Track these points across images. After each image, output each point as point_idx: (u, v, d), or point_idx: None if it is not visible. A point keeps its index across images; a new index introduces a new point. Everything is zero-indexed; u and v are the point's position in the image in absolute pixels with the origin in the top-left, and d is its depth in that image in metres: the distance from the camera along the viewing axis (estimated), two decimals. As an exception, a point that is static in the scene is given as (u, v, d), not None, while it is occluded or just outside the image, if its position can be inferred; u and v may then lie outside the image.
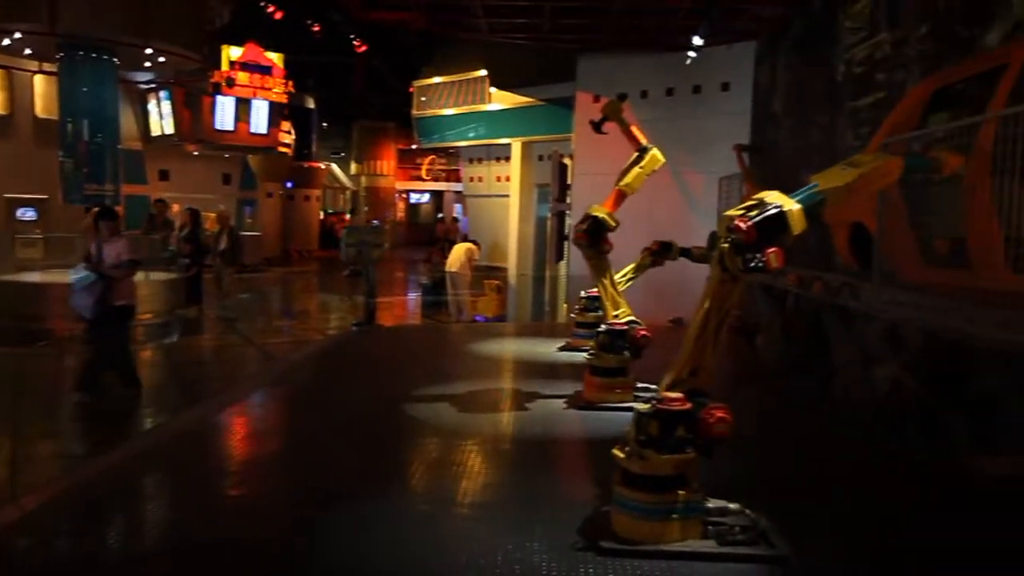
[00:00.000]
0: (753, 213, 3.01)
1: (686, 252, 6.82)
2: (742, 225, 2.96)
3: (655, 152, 5.91)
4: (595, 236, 5.71)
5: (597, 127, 6.43)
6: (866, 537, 3.34)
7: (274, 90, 25.08)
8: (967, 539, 3.34)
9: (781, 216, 2.99)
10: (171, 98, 22.58)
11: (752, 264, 2.94)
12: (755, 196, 3.14)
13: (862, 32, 7.23)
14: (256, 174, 27.57)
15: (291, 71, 26.28)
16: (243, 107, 24.14)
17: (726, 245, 3.01)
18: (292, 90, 26.46)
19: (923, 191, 4.56)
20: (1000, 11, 4.93)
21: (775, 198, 3.06)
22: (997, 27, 4.96)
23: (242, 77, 23.99)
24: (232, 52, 24.05)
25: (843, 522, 3.51)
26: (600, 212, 5.71)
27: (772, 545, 3.03)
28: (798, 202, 3.05)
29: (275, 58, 25.41)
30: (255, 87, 24.39)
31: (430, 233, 41.59)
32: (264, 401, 6.35)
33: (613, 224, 5.72)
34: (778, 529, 3.10)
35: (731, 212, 3.09)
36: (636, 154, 5.99)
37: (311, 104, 31.60)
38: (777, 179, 9.40)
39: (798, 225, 3.00)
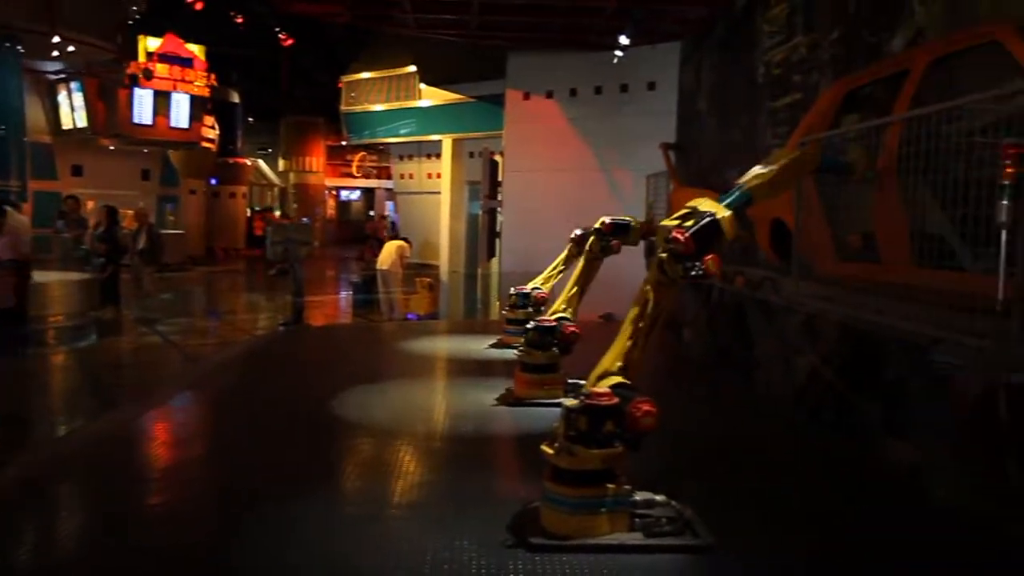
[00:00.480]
0: (688, 223, 3.13)
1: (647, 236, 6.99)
2: (680, 237, 3.07)
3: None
4: (618, 233, 5.81)
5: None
6: (787, 523, 3.47)
7: (195, 83, 24.15)
8: (881, 524, 3.50)
9: (715, 224, 3.13)
10: (83, 90, 21.47)
11: (693, 273, 3.04)
12: (688, 204, 3.25)
13: (780, 35, 7.49)
14: (178, 170, 26.55)
15: (214, 64, 25.38)
16: (162, 100, 23.14)
17: (664, 255, 3.10)
18: (215, 84, 25.55)
19: (837, 188, 4.75)
20: (903, 19, 5.19)
21: (708, 206, 3.20)
22: (900, 34, 5.22)
23: (161, 69, 23.02)
24: (150, 43, 23.04)
25: (765, 509, 3.62)
26: (634, 222, 5.88)
27: (697, 535, 3.11)
28: (727, 207, 3.18)
29: (196, 50, 24.48)
30: (175, 80, 23.44)
31: (361, 231, 41.10)
32: (186, 404, 6.14)
33: (633, 239, 5.93)
34: (703, 518, 3.18)
35: (667, 223, 3.18)
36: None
37: (236, 98, 30.65)
38: (702, 177, 9.67)
39: (731, 230, 3.16)
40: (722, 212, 3.15)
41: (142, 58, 22.66)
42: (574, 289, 5.87)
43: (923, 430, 3.86)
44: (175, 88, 23.47)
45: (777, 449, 4.80)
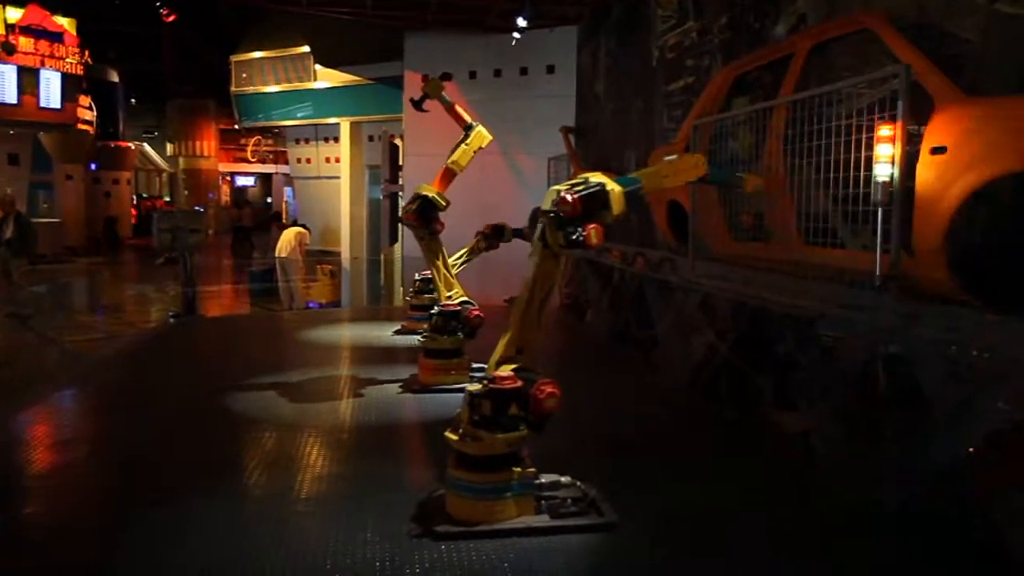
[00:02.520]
0: (579, 188, 3.14)
1: (519, 233, 6.93)
2: (569, 198, 3.11)
3: (480, 129, 5.90)
4: (425, 216, 5.64)
5: (418, 105, 6.34)
6: (687, 496, 3.57)
7: (67, 60, 22.41)
8: (775, 492, 3.66)
9: (604, 193, 3.15)
10: (-65, 65, 19.64)
11: (574, 237, 3.05)
12: (580, 176, 3.27)
13: (672, 20, 7.65)
14: (51, 155, 24.68)
15: (88, 40, 23.66)
16: (29, 77, 21.35)
17: (547, 220, 3.13)
18: (90, 61, 23.85)
19: (729, 169, 4.90)
20: (785, 5, 5.40)
21: (598, 178, 3.24)
22: (783, 20, 5.43)
23: (24, 43, 21.20)
24: (10, 14, 21.16)
25: (667, 484, 3.73)
26: (429, 191, 5.64)
27: (602, 513, 3.15)
28: (619, 184, 3.21)
29: (66, 23, 22.71)
30: (42, 55, 21.66)
31: (257, 218, 39.55)
32: (65, 403, 5.72)
33: (443, 203, 5.66)
34: (607, 497, 3.23)
35: (557, 187, 3.18)
36: (464, 133, 5.97)
37: (115, 78, 28.80)
38: (601, 160, 9.82)
39: (618, 205, 3.19)
40: (612, 185, 3.21)
41: (1, 30, 20.82)
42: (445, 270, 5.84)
43: (810, 400, 4.06)
44: (43, 64, 21.71)
45: (676, 425, 4.95)
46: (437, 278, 5.76)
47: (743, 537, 3.13)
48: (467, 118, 6.00)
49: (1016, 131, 2.84)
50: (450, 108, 6.13)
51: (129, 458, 4.18)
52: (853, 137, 3.53)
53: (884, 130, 3.21)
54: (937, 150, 3.10)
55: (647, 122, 8.38)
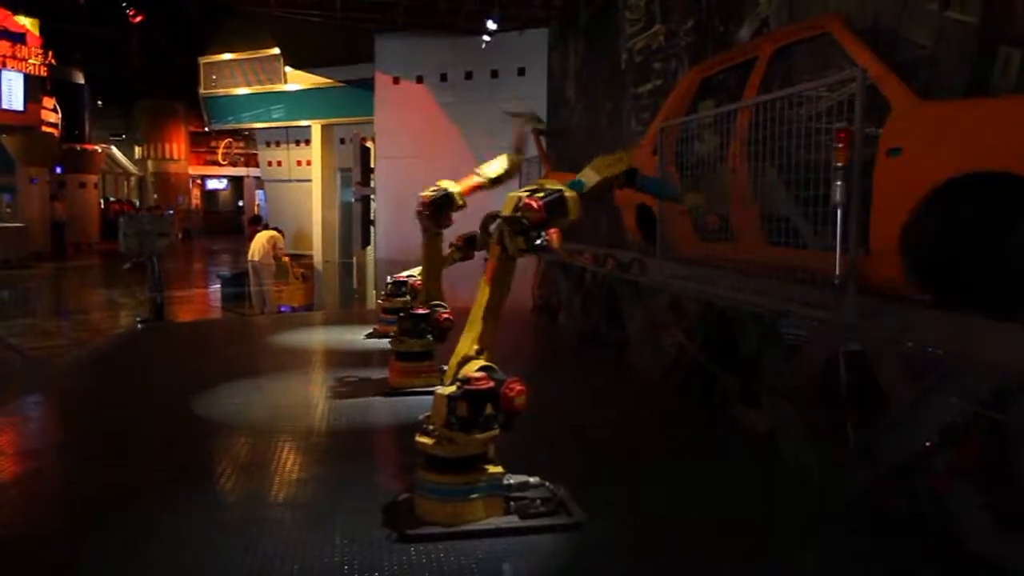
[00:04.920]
0: (540, 195, 3.21)
1: (471, 240, 6.88)
2: (534, 204, 3.18)
3: (512, 156, 5.87)
4: (440, 208, 5.56)
5: (513, 114, 6.18)
6: (656, 495, 3.61)
7: (29, 60, 22.01)
8: (744, 490, 3.72)
9: (563, 200, 3.25)
10: None
11: (538, 242, 3.16)
12: (535, 182, 3.41)
13: (640, 23, 7.73)
14: (14, 157, 24.15)
15: (51, 41, 23.24)
16: (-10, 78, 21.00)
17: (506, 227, 3.22)
18: (54, 62, 23.42)
19: (696, 171, 4.97)
20: (749, 9, 5.49)
21: (553, 185, 3.36)
22: (747, 23, 5.51)
23: (-15, 43, 20.84)
24: (-31, 14, 20.81)
25: (636, 483, 3.77)
26: (453, 188, 5.55)
27: (571, 513, 3.18)
28: (571, 189, 3.31)
29: (28, 24, 22.29)
30: (4, 56, 21.26)
31: (230, 222, 39.14)
32: (26, 412, 5.61)
33: (461, 203, 5.57)
34: (576, 497, 3.26)
35: (516, 193, 3.24)
36: (507, 156, 5.89)
37: (80, 79, 28.29)
38: (572, 162, 9.87)
39: (574, 210, 3.30)
40: (568, 192, 3.31)
41: (-40, 31, 20.44)
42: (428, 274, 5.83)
43: (775, 397, 4.12)
44: (4, 65, 21.29)
45: (647, 425, 5.00)
46: (426, 280, 5.74)
47: (710, 535, 3.17)
48: (518, 146, 5.88)
49: (969, 133, 2.92)
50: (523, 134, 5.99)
51: (95, 465, 4.11)
52: (814, 139, 3.60)
53: (842, 132, 3.27)
54: (893, 151, 3.18)
55: (617, 124, 8.45)
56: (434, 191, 5.54)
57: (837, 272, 3.32)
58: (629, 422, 5.02)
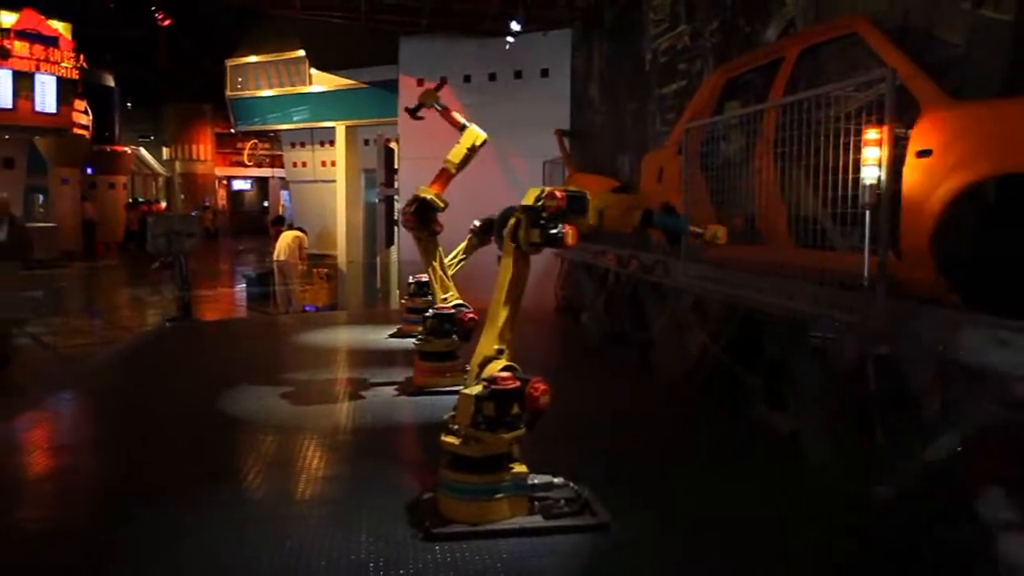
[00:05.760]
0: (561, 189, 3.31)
1: (488, 227, 6.93)
2: (558, 193, 3.24)
3: (472, 127, 5.93)
4: (423, 218, 5.65)
5: (412, 113, 6.37)
6: (679, 497, 3.60)
7: (62, 64, 22.40)
8: (765, 493, 3.69)
9: (585, 200, 3.31)
10: (-70, 70, 19.62)
11: (553, 232, 3.17)
12: (564, 187, 3.39)
13: (665, 24, 7.70)
14: (46, 158, 24.61)
15: (83, 44, 23.66)
16: (24, 81, 21.31)
17: (523, 216, 3.24)
18: (85, 65, 23.84)
19: (721, 172, 4.94)
20: (776, 9, 5.44)
21: (577, 189, 3.41)
22: (774, 24, 5.47)
23: (20, 47, 21.18)
24: (4, 19, 21.17)
25: (660, 484, 3.76)
26: (427, 193, 5.66)
27: (595, 514, 3.18)
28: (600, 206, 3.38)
29: (61, 28, 22.70)
30: (37, 59, 21.63)
31: (256, 222, 39.59)
32: (62, 407, 5.73)
33: (441, 205, 5.67)
34: (601, 497, 3.26)
35: (538, 188, 3.28)
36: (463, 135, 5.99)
37: (111, 82, 28.75)
38: (595, 163, 9.86)
39: (592, 215, 3.36)
40: (593, 200, 3.36)
41: (-4, 35, 20.83)
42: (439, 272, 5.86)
43: (800, 400, 4.09)
44: (38, 68, 21.68)
45: (670, 426, 4.98)
46: (433, 280, 5.79)
47: (733, 537, 3.15)
48: (461, 120, 6.04)
49: (1000, 134, 2.87)
50: (444, 112, 6.17)
51: (125, 461, 4.19)
52: (842, 140, 3.57)
53: (871, 133, 3.24)
54: (923, 153, 3.14)
55: (640, 125, 8.42)
56: (411, 204, 5.69)
57: (866, 274, 3.29)
58: (652, 422, 5.01)
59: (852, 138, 3.48)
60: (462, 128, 5.96)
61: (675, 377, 5.87)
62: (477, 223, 6.57)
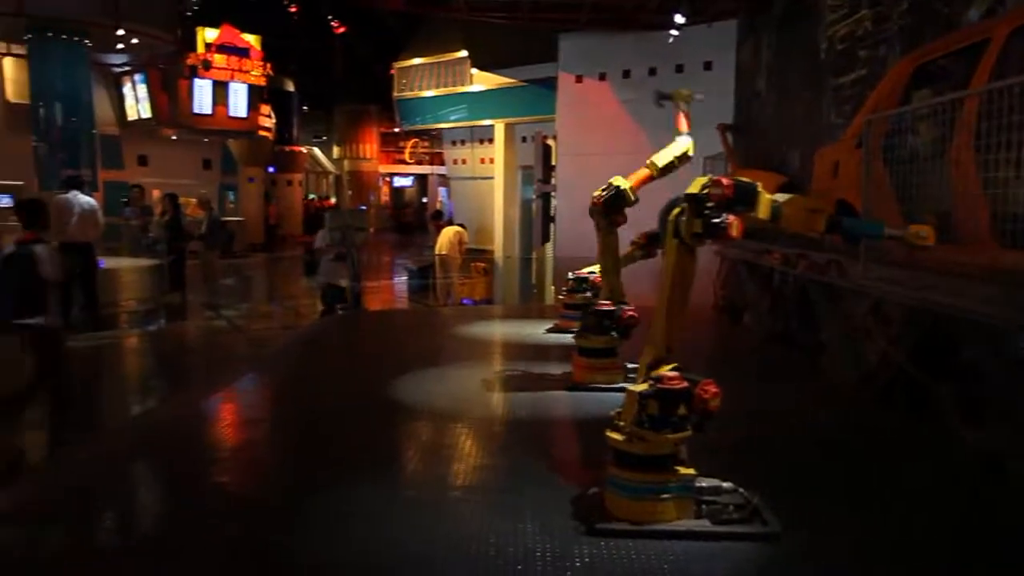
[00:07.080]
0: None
1: (655, 237, 6.74)
2: (724, 181, 3.05)
3: (686, 138, 5.78)
4: (612, 206, 5.59)
5: (658, 99, 6.13)
6: (856, 509, 3.38)
7: (252, 73, 24.72)
8: (964, 513, 3.38)
9: (755, 192, 3.10)
10: (147, 81, 22.23)
11: (715, 221, 2.97)
12: (717, 177, 3.22)
13: (843, 9, 7.23)
14: (236, 159, 27.21)
15: (269, 54, 25.92)
16: (221, 90, 23.77)
17: (686, 204, 3.06)
18: (271, 73, 26.10)
19: (908, 166, 4.58)
20: (982, -14, 4.95)
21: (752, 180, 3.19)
22: (976, 4, 4.97)
23: (219, 59, 23.62)
24: (207, 34, 23.66)
25: (833, 495, 3.54)
26: (624, 184, 5.59)
27: (765, 522, 3.05)
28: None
29: (252, 40, 25.03)
30: (232, 70, 24.03)
31: (414, 217, 41.53)
32: (251, 387, 6.30)
33: (632, 199, 5.58)
34: (770, 506, 3.12)
35: (703, 179, 3.11)
36: (678, 141, 5.84)
37: (291, 87, 31.20)
38: (761, 159, 9.44)
39: (764, 210, 3.11)
40: (765, 193, 3.11)
41: (200, 49, 23.33)
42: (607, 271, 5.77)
43: (1003, 417, 3.71)
44: (232, 78, 24.06)
45: (845, 434, 4.67)
46: (604, 276, 5.76)
47: (914, 556, 2.91)
48: (684, 128, 5.88)
49: None
50: (680, 114, 5.97)
51: (299, 440, 4.49)
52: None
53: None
54: None
55: (813, 119, 7.96)
56: (604, 190, 5.53)
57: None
58: (825, 430, 4.72)
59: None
60: (678, 135, 5.83)
61: (850, 383, 5.51)
62: (642, 236, 6.39)
